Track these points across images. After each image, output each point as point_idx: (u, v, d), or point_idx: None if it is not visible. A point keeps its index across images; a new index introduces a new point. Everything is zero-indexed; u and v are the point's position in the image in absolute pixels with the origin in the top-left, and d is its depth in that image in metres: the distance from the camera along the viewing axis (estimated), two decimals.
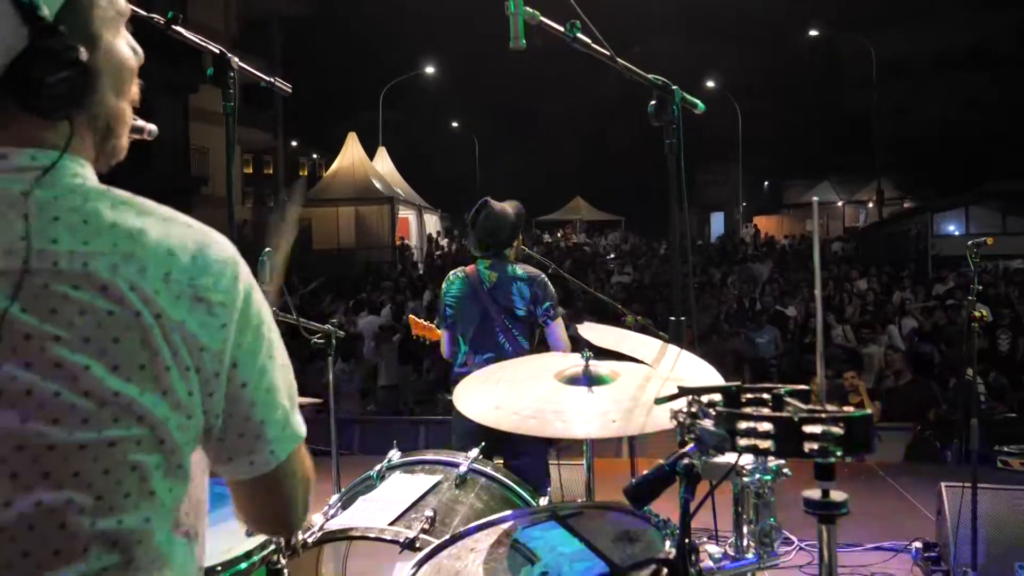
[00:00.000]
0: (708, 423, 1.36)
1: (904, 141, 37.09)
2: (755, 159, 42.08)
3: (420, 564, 1.72)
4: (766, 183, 48.36)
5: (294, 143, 41.00)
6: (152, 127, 1.72)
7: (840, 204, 40.78)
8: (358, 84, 38.28)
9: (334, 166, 28.96)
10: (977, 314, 4.00)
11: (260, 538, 1.82)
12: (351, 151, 28.31)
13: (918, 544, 4.57)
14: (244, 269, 1.17)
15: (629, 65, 2.16)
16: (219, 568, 1.75)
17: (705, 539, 1.89)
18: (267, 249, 2.44)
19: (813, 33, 38.02)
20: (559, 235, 39.81)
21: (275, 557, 1.82)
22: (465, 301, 3.98)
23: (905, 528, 4.96)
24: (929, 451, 7.91)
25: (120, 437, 1.04)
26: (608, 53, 2.08)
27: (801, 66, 43.80)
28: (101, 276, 1.04)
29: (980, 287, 4.08)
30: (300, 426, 1.23)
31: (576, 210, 43.51)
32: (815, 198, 1.34)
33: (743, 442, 1.29)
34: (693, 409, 1.42)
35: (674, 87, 2.23)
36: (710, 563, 1.66)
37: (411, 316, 4.69)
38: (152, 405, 1.06)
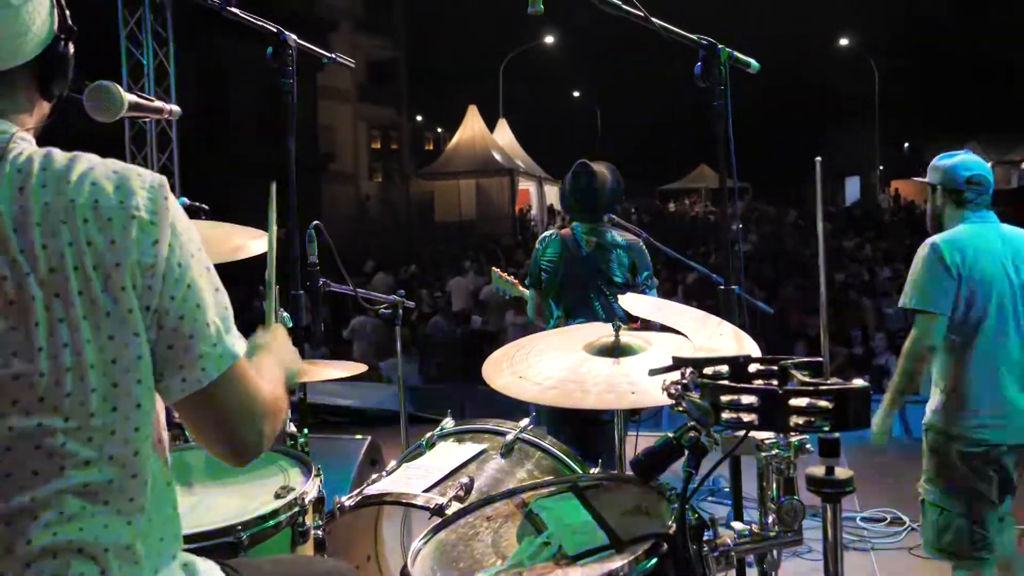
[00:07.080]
0: (695, 395, 1.32)
1: None
2: (894, 120, 39.77)
3: (436, 531, 1.75)
4: (906, 145, 45.66)
5: (419, 118, 41.67)
6: (175, 107, 1.79)
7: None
8: (479, 57, 38.46)
9: (455, 139, 29.34)
10: None
11: (287, 499, 1.85)
12: (471, 124, 28.61)
13: None
14: (169, 190, 1.24)
15: (667, 25, 2.07)
16: (239, 527, 1.73)
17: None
18: (315, 222, 2.53)
19: None
20: (686, 203, 39.01)
21: (301, 519, 1.85)
22: (561, 264, 3.91)
23: None
24: None
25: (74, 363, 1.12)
26: (642, 14, 2.01)
27: (943, 17, 40.87)
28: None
29: None
30: (235, 345, 1.25)
31: (701, 178, 42.44)
32: (818, 158, 1.25)
33: (727, 415, 1.24)
34: (685, 381, 1.37)
35: (720, 46, 2.12)
36: (728, 541, 1.61)
37: (494, 268, 4.64)
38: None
